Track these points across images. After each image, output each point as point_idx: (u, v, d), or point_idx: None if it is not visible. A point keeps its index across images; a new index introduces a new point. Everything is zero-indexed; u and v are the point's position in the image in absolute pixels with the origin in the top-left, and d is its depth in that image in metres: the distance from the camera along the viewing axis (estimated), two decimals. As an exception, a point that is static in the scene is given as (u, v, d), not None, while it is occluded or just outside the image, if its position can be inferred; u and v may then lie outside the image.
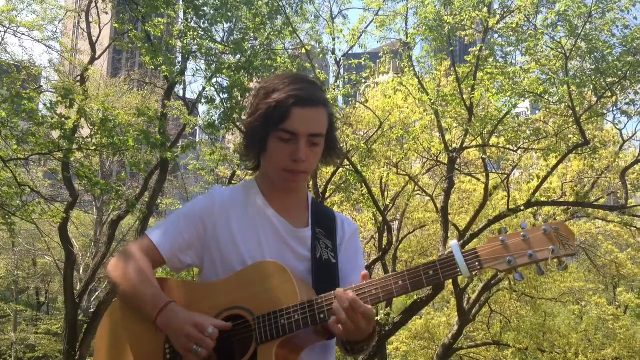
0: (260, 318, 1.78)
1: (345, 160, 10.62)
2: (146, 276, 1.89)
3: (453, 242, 1.73)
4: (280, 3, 10.27)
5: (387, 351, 16.68)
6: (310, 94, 1.89)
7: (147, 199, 12.85)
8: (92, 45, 12.47)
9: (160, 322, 1.82)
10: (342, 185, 12.09)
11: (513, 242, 1.68)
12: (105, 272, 17.62)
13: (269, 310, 1.77)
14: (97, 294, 19.85)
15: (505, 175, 12.73)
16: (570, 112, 10.56)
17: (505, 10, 11.24)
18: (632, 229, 14.04)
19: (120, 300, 2.01)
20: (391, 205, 14.83)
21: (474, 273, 1.71)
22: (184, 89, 12.56)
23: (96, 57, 12.64)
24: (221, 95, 9.93)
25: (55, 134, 9.92)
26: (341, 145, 2.10)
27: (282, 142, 1.87)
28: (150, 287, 1.88)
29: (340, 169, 11.68)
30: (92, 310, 17.06)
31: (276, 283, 1.80)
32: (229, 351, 1.80)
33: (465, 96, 10.97)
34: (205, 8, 9.91)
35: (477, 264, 1.68)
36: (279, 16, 10.44)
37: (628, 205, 11.27)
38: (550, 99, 11.01)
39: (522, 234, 1.68)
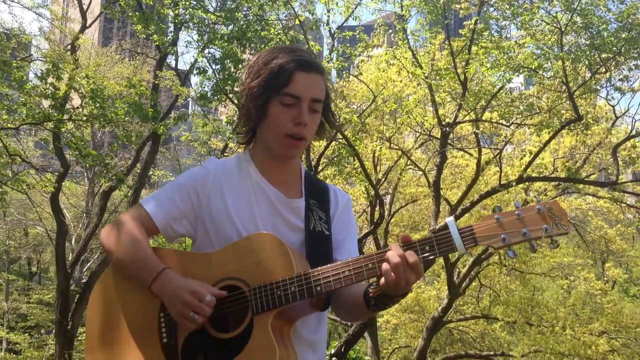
0: (256, 289, 1.79)
1: (338, 134, 10.59)
2: (141, 243, 1.91)
3: (449, 219, 1.76)
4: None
5: (377, 324, 16.86)
6: (311, 59, 1.93)
7: (139, 171, 12.80)
8: (83, 13, 12.27)
9: (156, 287, 1.84)
10: (335, 158, 12.07)
11: (508, 221, 1.72)
12: (97, 242, 17.77)
13: (265, 282, 1.79)
14: (89, 264, 19.89)
15: (498, 151, 12.73)
16: (564, 87, 10.54)
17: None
18: (622, 205, 14.15)
19: (113, 268, 2.01)
20: (383, 179, 14.85)
21: (468, 249, 1.74)
22: (176, 60, 12.44)
23: (87, 25, 12.43)
24: (213, 67, 9.84)
25: (46, 103, 9.81)
26: (336, 117, 2.13)
27: (284, 106, 1.90)
28: (145, 253, 1.90)
29: (333, 143, 11.65)
30: (84, 280, 17.14)
31: (272, 255, 1.81)
32: (222, 321, 1.82)
33: (459, 70, 10.92)
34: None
35: (472, 240, 1.71)
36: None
37: (619, 182, 11.32)
38: (544, 74, 10.97)
39: (516, 212, 1.72)
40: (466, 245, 1.71)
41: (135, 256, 1.90)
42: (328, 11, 11.35)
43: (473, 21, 10.64)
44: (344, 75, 13.56)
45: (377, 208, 13.21)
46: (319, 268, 1.78)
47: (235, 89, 9.86)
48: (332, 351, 11.62)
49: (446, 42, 11.25)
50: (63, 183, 12.14)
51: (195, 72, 10.12)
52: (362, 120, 11.70)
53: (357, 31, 11.62)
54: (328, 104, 2.01)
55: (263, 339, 1.75)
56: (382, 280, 1.71)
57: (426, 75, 10.89)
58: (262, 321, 1.77)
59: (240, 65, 9.31)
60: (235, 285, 1.83)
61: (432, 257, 1.74)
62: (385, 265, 1.70)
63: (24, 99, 9.38)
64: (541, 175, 12.18)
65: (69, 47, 12.12)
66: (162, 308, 1.88)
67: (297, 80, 1.88)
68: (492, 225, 1.72)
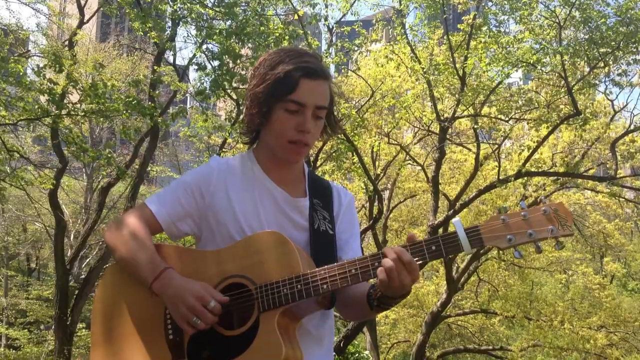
0: (262, 287, 1.79)
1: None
2: (143, 241, 1.91)
3: (456, 219, 1.77)
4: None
5: (376, 319, 16.88)
6: (317, 66, 1.92)
7: (137, 166, 12.78)
8: (81, 8, 12.23)
9: (157, 287, 1.84)
10: (334, 154, 12.07)
11: (514, 222, 1.73)
12: (96, 238, 17.78)
13: (271, 280, 1.79)
14: (87, 260, 19.88)
15: (496, 145, 12.73)
16: (563, 82, 10.53)
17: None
18: (621, 199, 14.16)
19: (117, 266, 2.01)
20: (382, 174, 14.86)
21: (474, 250, 1.76)
22: (174, 55, 12.37)
23: (85, 21, 12.40)
24: (212, 62, 9.81)
25: (44, 98, 9.78)
26: (339, 120, 2.13)
27: (288, 113, 1.89)
28: (147, 252, 1.89)
29: (332, 138, 11.63)
30: (82, 276, 17.10)
31: (278, 253, 1.82)
32: (228, 318, 1.82)
33: (457, 65, 10.91)
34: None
35: (478, 241, 1.73)
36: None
37: (617, 176, 11.32)
38: (542, 68, 10.97)
39: (522, 213, 1.73)
40: (472, 246, 1.72)
41: (137, 254, 1.89)
42: (326, 6, 11.34)
43: (472, 16, 10.63)
44: (343, 71, 13.55)
45: (376, 203, 13.22)
46: (325, 267, 1.79)
47: (234, 84, 9.85)
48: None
49: (445, 37, 11.24)
50: (61, 179, 12.10)
51: (194, 67, 10.10)
52: (361, 115, 11.69)
53: (356, 26, 11.62)
54: (331, 110, 2.01)
55: (269, 337, 1.75)
56: (377, 281, 1.73)
57: (425, 70, 10.88)
58: (268, 319, 1.77)
59: (238, 61, 9.29)
60: (240, 282, 1.83)
61: (438, 257, 1.75)
62: (379, 268, 1.72)
63: (21, 95, 9.36)
64: (540, 170, 12.19)
65: (67, 42, 12.08)
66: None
67: (302, 88, 1.87)
68: (498, 225, 1.73)
